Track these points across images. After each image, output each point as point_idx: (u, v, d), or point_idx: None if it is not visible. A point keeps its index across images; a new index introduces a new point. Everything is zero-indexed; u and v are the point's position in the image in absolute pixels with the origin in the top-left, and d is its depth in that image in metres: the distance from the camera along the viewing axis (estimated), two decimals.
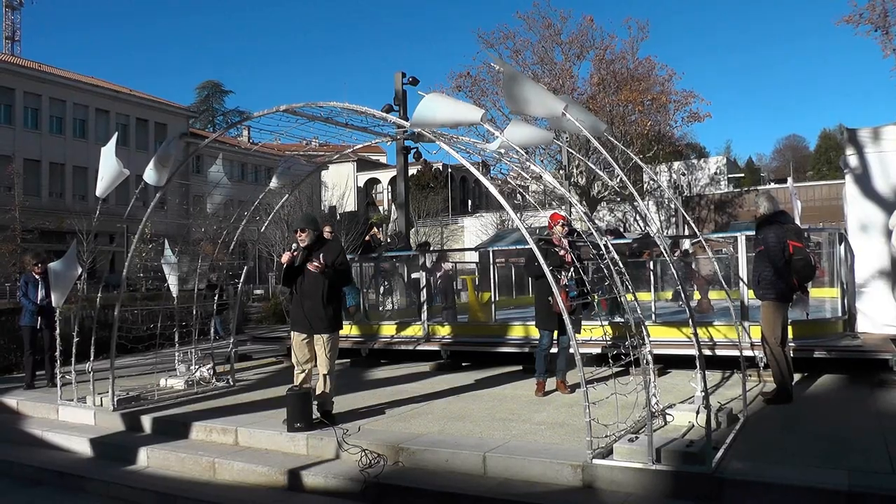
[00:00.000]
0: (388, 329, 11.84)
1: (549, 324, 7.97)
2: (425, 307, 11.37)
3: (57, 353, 9.04)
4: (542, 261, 6.01)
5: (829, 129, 78.43)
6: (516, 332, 10.65)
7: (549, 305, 7.69)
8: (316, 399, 7.14)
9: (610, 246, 6.07)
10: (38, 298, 10.12)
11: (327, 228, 8.36)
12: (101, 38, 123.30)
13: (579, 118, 5.93)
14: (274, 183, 9.78)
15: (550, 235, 8.07)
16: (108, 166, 8.24)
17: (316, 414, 7.04)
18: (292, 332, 7.33)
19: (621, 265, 5.96)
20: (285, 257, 7.12)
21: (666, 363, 8.90)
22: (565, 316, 5.81)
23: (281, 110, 7.47)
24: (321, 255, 7.04)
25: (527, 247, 7.47)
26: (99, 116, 45.99)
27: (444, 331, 11.28)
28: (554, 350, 8.19)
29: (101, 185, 8.38)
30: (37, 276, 10.18)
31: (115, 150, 8.43)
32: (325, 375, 7.16)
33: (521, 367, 9.83)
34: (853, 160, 9.78)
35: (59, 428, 8.18)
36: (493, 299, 11.23)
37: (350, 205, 52.74)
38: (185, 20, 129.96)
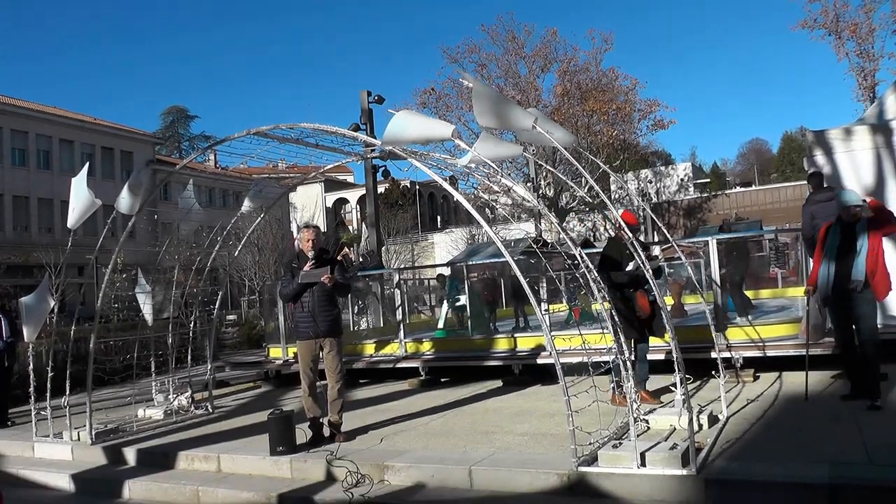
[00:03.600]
0: (366, 348, 11.80)
1: (640, 329, 7.62)
2: (402, 326, 11.36)
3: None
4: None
5: (791, 131, 79.90)
6: (496, 345, 10.67)
7: (635, 311, 7.45)
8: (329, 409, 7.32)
9: (584, 256, 6.13)
10: (5, 336, 9.99)
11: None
12: (60, 67, 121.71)
13: (549, 130, 6.01)
14: (246, 206, 9.73)
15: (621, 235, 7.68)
16: (80, 197, 8.15)
17: (327, 430, 7.26)
18: (299, 343, 7.42)
19: (596, 274, 6.04)
20: (315, 271, 7.16)
21: None
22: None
23: (252, 133, 7.47)
24: (328, 268, 7.17)
25: (501, 259, 7.50)
26: (63, 147, 45.23)
27: (423, 347, 11.27)
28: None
29: (73, 217, 8.27)
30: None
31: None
32: (335, 380, 7.29)
33: (500, 382, 9.85)
34: (820, 161, 9.73)
35: (37, 465, 8.04)
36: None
37: (320, 225, 52.43)
38: (147, 46, 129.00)
